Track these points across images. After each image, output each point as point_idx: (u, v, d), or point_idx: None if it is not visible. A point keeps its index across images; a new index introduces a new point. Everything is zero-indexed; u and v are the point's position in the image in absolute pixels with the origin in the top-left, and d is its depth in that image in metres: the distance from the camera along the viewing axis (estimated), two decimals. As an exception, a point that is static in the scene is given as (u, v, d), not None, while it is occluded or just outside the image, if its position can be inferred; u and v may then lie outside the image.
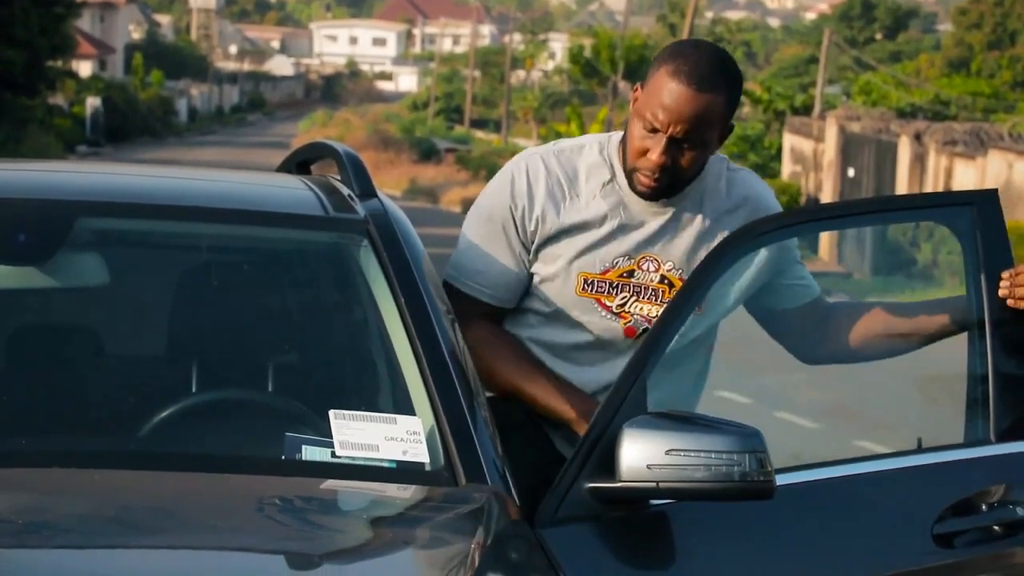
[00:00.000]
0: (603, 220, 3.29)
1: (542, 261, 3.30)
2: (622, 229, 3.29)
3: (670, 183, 3.25)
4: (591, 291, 3.29)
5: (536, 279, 3.32)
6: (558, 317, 3.31)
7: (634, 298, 3.29)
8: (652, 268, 3.30)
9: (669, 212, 3.31)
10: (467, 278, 3.33)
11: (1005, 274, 3.17)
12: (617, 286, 3.30)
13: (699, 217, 3.32)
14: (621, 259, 3.29)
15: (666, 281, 3.31)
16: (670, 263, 3.31)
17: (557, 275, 3.29)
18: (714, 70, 3.21)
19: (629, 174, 3.26)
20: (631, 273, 3.29)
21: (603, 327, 3.30)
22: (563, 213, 3.28)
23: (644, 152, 3.21)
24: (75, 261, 3.16)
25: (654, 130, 3.20)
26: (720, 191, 3.35)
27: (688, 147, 3.21)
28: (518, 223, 3.30)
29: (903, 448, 3.25)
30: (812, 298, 3.44)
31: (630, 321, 3.30)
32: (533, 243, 3.30)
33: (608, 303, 3.29)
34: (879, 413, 12.03)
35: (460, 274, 3.34)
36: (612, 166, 3.31)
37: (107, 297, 3.23)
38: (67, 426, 2.96)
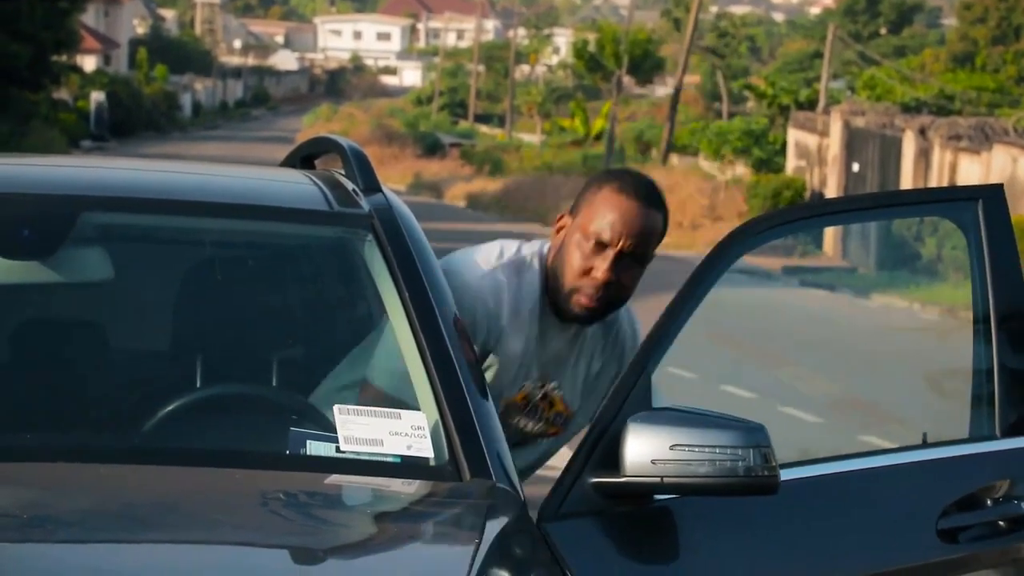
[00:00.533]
0: (524, 350, 3.32)
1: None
2: (536, 353, 3.33)
3: (606, 305, 3.29)
4: (507, 416, 3.31)
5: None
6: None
7: (536, 423, 3.36)
8: (540, 385, 3.36)
9: (578, 335, 3.36)
10: None
11: None
12: (516, 408, 3.35)
13: (587, 338, 3.38)
14: (527, 383, 3.35)
15: (547, 398, 3.36)
16: (555, 383, 3.36)
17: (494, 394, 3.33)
18: (654, 190, 3.34)
19: (566, 297, 3.28)
20: (528, 395, 3.36)
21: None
22: (504, 338, 3.29)
23: (586, 272, 3.26)
24: (79, 256, 3.16)
25: (599, 247, 3.25)
26: (617, 319, 3.42)
27: (632, 263, 3.28)
28: (482, 338, 3.29)
29: (908, 443, 3.24)
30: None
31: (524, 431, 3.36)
32: (485, 352, 3.32)
33: (525, 426, 3.35)
34: (884, 408, 12.03)
35: None
36: (541, 288, 3.33)
37: (111, 292, 3.23)
38: (71, 421, 2.96)
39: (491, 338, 3.30)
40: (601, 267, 3.24)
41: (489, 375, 3.29)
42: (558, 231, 3.33)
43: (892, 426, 10.64)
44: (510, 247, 3.37)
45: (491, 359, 3.31)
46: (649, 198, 3.31)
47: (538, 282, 3.33)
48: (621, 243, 3.25)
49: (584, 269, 3.25)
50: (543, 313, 3.34)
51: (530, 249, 3.38)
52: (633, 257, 3.27)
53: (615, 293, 3.28)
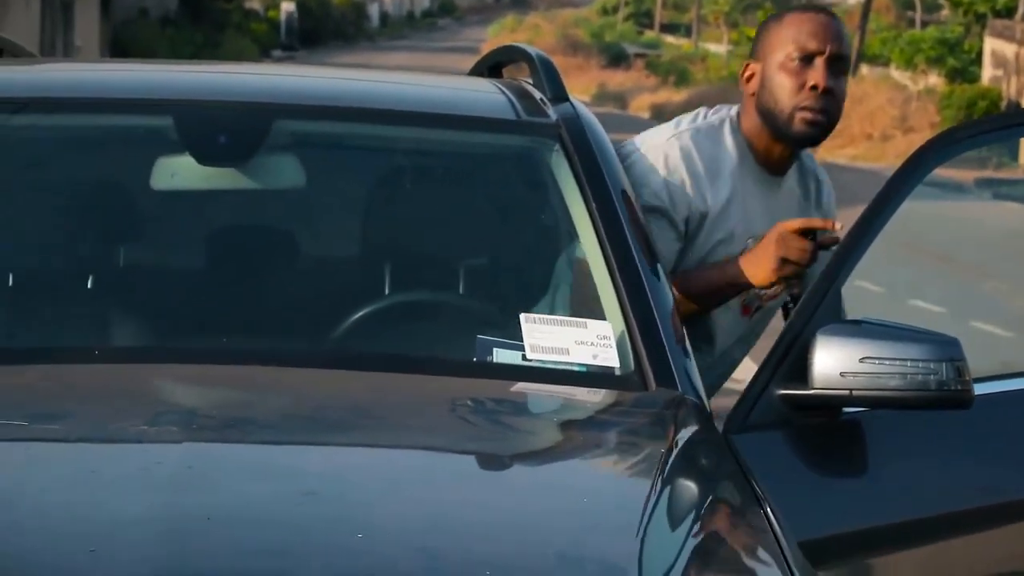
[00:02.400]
0: (739, 200, 3.31)
1: (695, 245, 3.30)
2: (751, 208, 3.32)
3: (827, 125, 3.29)
4: None
5: (684, 263, 3.32)
6: None
7: None
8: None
9: (778, 187, 3.36)
10: None
11: None
12: None
13: (799, 190, 3.39)
14: (751, 240, 3.31)
15: None
16: None
17: (706, 259, 3.31)
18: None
19: (788, 122, 3.27)
20: None
21: (724, 307, 3.32)
22: (714, 194, 3.30)
23: (802, 87, 3.25)
24: (273, 163, 3.21)
25: (807, 60, 3.25)
26: (807, 170, 3.44)
27: (839, 72, 3.28)
28: (679, 204, 3.28)
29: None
30: None
31: (745, 300, 3.34)
32: (692, 227, 3.30)
33: None
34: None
35: None
36: (741, 143, 3.33)
37: (303, 199, 3.28)
38: (264, 326, 3.02)
39: (696, 200, 3.29)
40: (817, 75, 3.25)
41: (703, 238, 3.29)
42: (748, 80, 3.33)
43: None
44: (687, 117, 3.40)
45: (706, 221, 3.30)
46: (828, 12, 3.36)
47: (734, 141, 3.34)
48: (828, 48, 3.26)
49: (799, 85, 3.26)
50: (749, 171, 3.33)
51: (716, 115, 3.38)
52: (839, 64, 3.28)
53: (834, 105, 3.28)
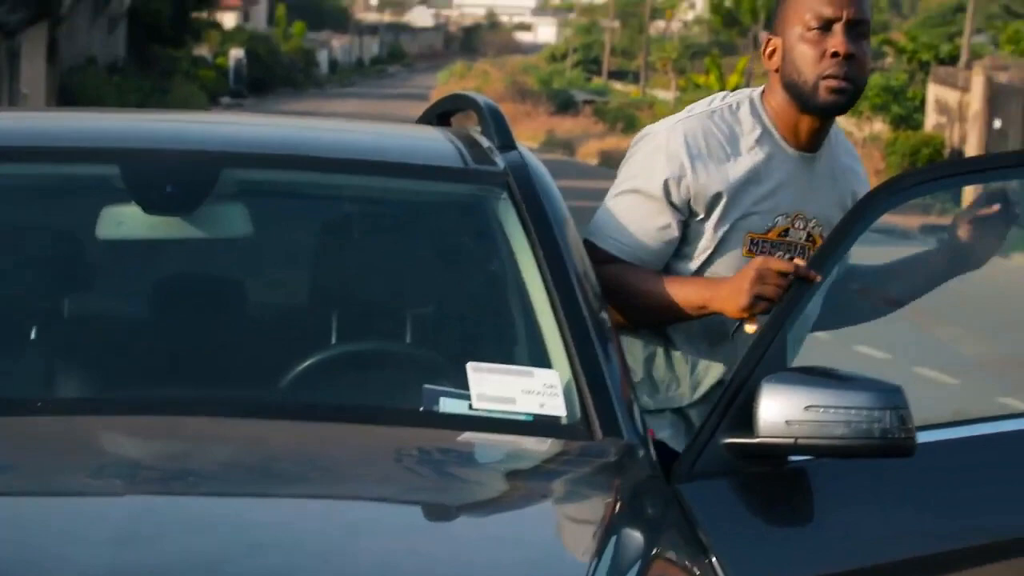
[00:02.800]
0: (763, 178, 3.26)
1: (709, 224, 3.25)
2: (780, 185, 3.27)
3: (854, 91, 3.24)
4: (756, 251, 3.26)
5: (700, 244, 3.27)
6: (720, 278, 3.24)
7: (787, 256, 3.26)
8: (801, 226, 3.29)
9: (815, 167, 3.30)
10: (612, 242, 3.28)
11: None
12: (776, 245, 3.28)
13: (833, 169, 3.32)
14: (780, 217, 3.28)
15: (811, 239, 3.29)
16: (814, 220, 3.29)
17: (725, 237, 3.25)
18: None
19: (813, 91, 3.22)
20: (786, 232, 3.28)
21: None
22: (730, 173, 3.24)
23: (822, 55, 3.20)
24: (220, 212, 3.20)
25: (825, 27, 3.20)
26: (840, 142, 3.37)
27: (859, 36, 3.22)
28: (683, 189, 3.24)
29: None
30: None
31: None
32: (697, 210, 3.25)
33: None
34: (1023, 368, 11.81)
35: (603, 236, 3.29)
36: (763, 121, 3.29)
37: (250, 248, 3.27)
38: (211, 376, 3.00)
39: (702, 181, 3.22)
40: (837, 41, 3.20)
41: (721, 216, 3.23)
42: (770, 56, 3.29)
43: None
44: (701, 102, 3.35)
45: (720, 191, 3.24)
46: None
47: (754, 119, 3.28)
48: (845, 12, 3.21)
49: (821, 53, 3.21)
50: (775, 148, 3.27)
51: (735, 97, 3.33)
52: (859, 28, 3.22)
53: (858, 70, 3.22)
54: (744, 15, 48.47)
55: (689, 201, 3.25)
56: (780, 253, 3.26)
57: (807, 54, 3.21)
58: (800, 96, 3.23)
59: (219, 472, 2.62)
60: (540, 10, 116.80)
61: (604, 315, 3.03)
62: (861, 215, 3.07)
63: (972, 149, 29.46)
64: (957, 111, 31.44)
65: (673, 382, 3.28)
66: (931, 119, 33.23)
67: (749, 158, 3.26)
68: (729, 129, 3.28)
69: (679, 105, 52.49)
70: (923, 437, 2.91)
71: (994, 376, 11.44)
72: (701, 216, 3.25)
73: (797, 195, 3.27)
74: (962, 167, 3.27)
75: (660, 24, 75.36)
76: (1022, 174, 3.20)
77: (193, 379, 2.99)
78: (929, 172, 3.17)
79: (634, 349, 3.28)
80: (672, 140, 3.25)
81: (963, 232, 3.30)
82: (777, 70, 3.27)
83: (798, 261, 3.08)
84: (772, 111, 3.28)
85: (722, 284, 3.16)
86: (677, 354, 3.28)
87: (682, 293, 3.20)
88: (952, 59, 36.05)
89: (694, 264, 3.27)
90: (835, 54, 3.19)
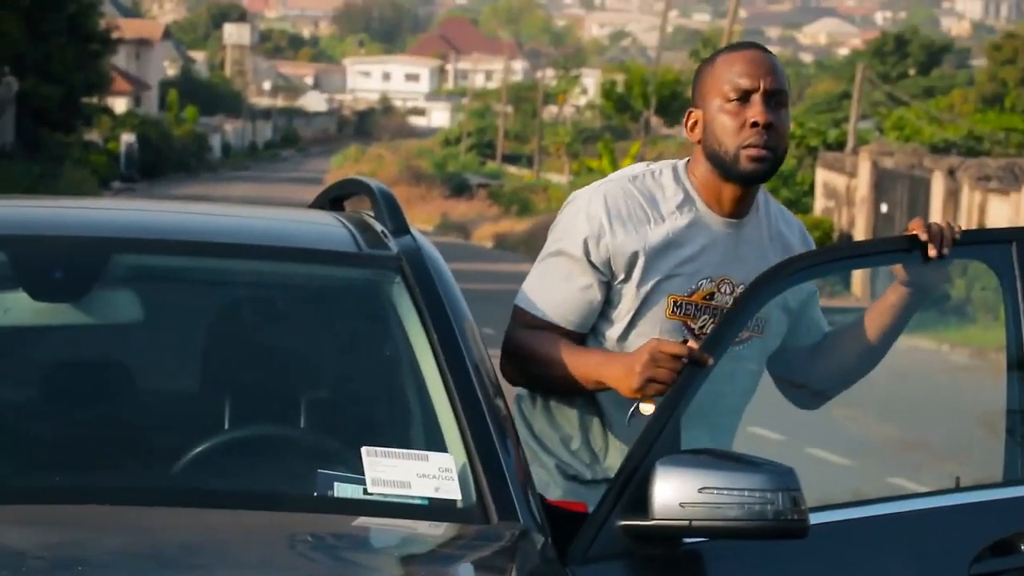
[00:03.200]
0: (685, 241, 3.29)
1: (630, 285, 3.28)
2: (704, 250, 3.30)
3: (774, 160, 3.29)
4: (679, 313, 3.29)
5: (623, 306, 3.30)
6: (643, 341, 3.25)
7: (711, 321, 3.29)
8: (728, 291, 3.31)
9: (742, 234, 3.34)
10: (535, 305, 3.30)
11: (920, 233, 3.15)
12: (701, 308, 3.30)
13: (765, 240, 3.37)
14: (704, 281, 3.30)
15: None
16: (742, 285, 3.31)
17: (647, 299, 3.28)
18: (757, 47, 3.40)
19: (734, 161, 3.28)
20: (712, 296, 3.31)
21: None
22: (649, 235, 3.28)
23: (742, 125, 3.26)
24: (109, 298, 3.17)
25: (743, 98, 3.27)
26: (774, 210, 3.42)
27: (779, 105, 3.29)
28: (602, 251, 3.27)
29: (939, 487, 3.22)
30: (822, 335, 3.42)
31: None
32: (616, 270, 3.28)
33: (692, 325, 3.30)
34: (914, 450, 11.95)
35: (528, 301, 3.32)
36: (686, 188, 3.33)
37: (141, 334, 3.24)
38: (101, 463, 2.96)
39: (620, 243, 3.26)
40: (756, 111, 3.26)
41: (641, 276, 3.25)
42: (692, 128, 3.34)
43: (922, 469, 10.57)
44: (627, 169, 3.38)
45: (640, 252, 3.27)
46: (760, 47, 3.37)
47: (677, 186, 3.32)
48: (762, 83, 3.27)
49: (740, 123, 3.26)
50: (699, 214, 3.31)
51: (658, 164, 3.38)
52: (777, 97, 3.28)
53: (776, 140, 3.28)
54: (635, 100, 49.07)
55: (609, 261, 3.28)
56: (706, 317, 3.29)
57: (727, 125, 3.27)
58: (722, 165, 3.29)
59: (109, 560, 2.57)
60: (433, 95, 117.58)
61: (500, 399, 3.03)
62: (750, 299, 3.11)
63: (860, 232, 29.94)
64: (845, 195, 31.97)
65: (612, 450, 3.29)
66: (820, 203, 33.75)
67: (670, 222, 3.30)
68: (650, 193, 3.32)
69: (573, 189, 52.82)
70: (816, 518, 2.93)
71: (885, 457, 11.56)
72: (622, 277, 3.28)
73: (722, 260, 3.31)
74: (849, 251, 3.31)
75: (553, 109, 76.08)
76: (904, 258, 3.25)
77: (82, 467, 2.94)
78: (817, 256, 3.21)
79: (571, 415, 3.28)
80: (592, 202, 3.30)
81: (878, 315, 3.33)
82: (699, 141, 3.33)
83: (692, 344, 3.10)
84: (696, 179, 3.33)
85: (617, 362, 3.17)
86: (612, 421, 3.29)
87: (582, 367, 3.22)
88: (839, 144, 36.71)
89: (619, 326, 3.30)
90: (754, 124, 3.25)
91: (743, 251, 3.33)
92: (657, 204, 3.30)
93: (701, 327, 3.29)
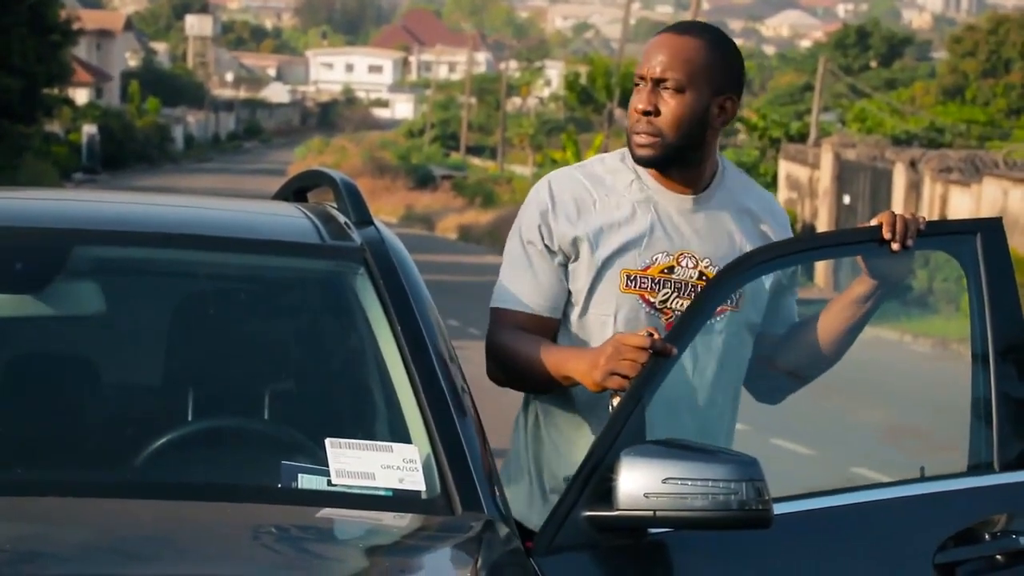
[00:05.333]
0: (635, 217, 3.30)
1: (581, 264, 3.29)
2: (657, 226, 3.30)
3: (662, 145, 3.27)
4: (635, 287, 3.28)
5: (578, 286, 3.30)
6: (602, 319, 3.27)
7: (675, 294, 3.29)
8: (690, 264, 3.30)
9: (700, 209, 3.34)
10: (507, 298, 3.31)
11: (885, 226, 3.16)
12: (659, 282, 3.30)
13: (727, 214, 3.35)
14: (660, 255, 3.30)
15: (704, 278, 3.30)
16: (707, 260, 3.31)
17: (600, 276, 3.28)
18: (695, 24, 3.36)
19: (629, 145, 3.31)
20: (671, 269, 3.30)
21: (647, 325, 3.24)
22: (596, 215, 3.29)
23: (634, 110, 3.29)
24: (71, 290, 3.15)
25: (637, 86, 3.29)
26: (740, 189, 3.40)
27: (668, 93, 3.27)
28: (550, 235, 3.29)
29: (903, 476, 3.23)
30: (792, 324, 3.43)
31: (671, 317, 3.27)
32: (567, 251, 3.30)
33: (651, 299, 3.29)
34: (877, 440, 12.01)
35: (501, 297, 3.33)
36: (634, 169, 3.34)
37: (103, 326, 3.22)
38: (63, 455, 2.95)
39: (573, 225, 3.27)
40: (638, 98, 3.28)
41: (586, 252, 3.27)
42: None
43: (887, 459, 10.63)
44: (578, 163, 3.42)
45: (590, 232, 3.28)
46: (681, 27, 3.33)
47: (623, 164, 3.33)
48: (648, 70, 3.27)
49: (631, 111, 3.29)
50: (648, 190, 3.32)
51: (607, 153, 3.41)
52: (669, 86, 3.26)
53: (661, 127, 3.27)
54: (599, 92, 49.11)
55: (558, 243, 3.30)
56: (667, 291, 3.28)
57: (630, 110, 3.31)
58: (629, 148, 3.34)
59: (72, 553, 2.56)
60: (396, 87, 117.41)
61: (464, 389, 3.03)
62: (714, 291, 3.11)
63: (823, 224, 30.06)
64: (808, 187, 32.08)
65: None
66: (783, 194, 33.85)
67: (617, 200, 3.31)
68: (597, 176, 3.33)
69: (536, 180, 52.81)
70: (780, 508, 2.94)
71: (850, 447, 11.61)
72: (573, 257, 3.30)
73: (679, 235, 3.31)
74: (810, 243, 3.32)
75: (516, 101, 76.09)
76: (868, 249, 3.26)
77: (44, 459, 2.93)
78: (779, 248, 3.22)
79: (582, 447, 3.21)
80: (539, 190, 3.34)
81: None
82: None
83: (655, 336, 3.09)
84: None
85: (583, 357, 3.17)
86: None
87: (552, 363, 3.21)
88: (802, 136, 36.83)
89: (578, 306, 3.31)
90: (637, 109, 3.28)
91: (704, 225, 3.32)
92: (604, 184, 3.32)
93: (663, 300, 3.28)
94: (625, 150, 3.38)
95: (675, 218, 3.32)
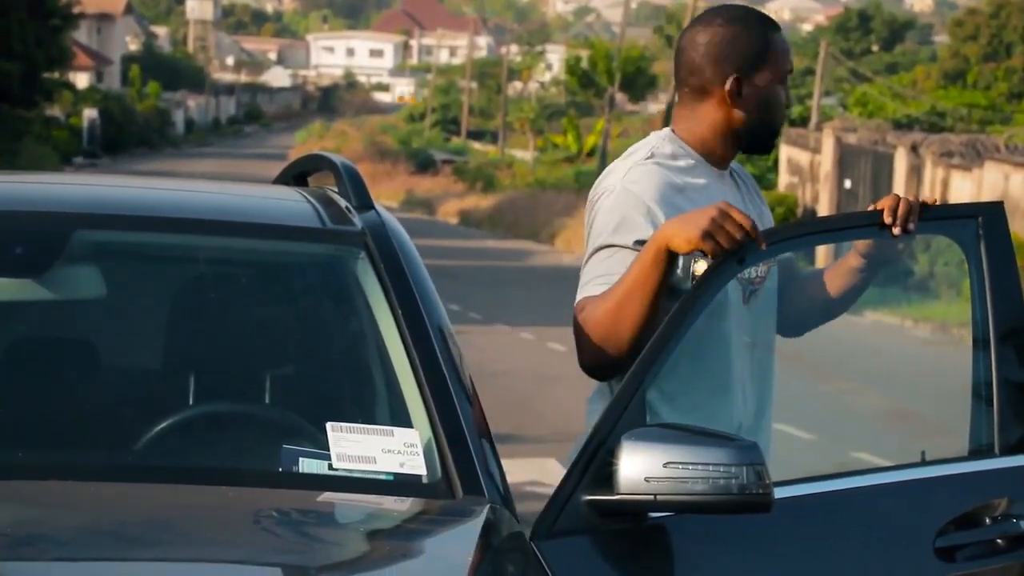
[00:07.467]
0: (714, 198, 3.28)
1: None
2: (717, 194, 3.33)
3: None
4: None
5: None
6: None
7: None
8: None
9: (728, 179, 3.43)
10: (602, 286, 3.18)
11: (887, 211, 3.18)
12: None
13: (736, 182, 3.47)
14: None
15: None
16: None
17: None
18: (709, 11, 3.43)
19: (772, 136, 3.45)
20: None
21: (720, 339, 3.28)
22: (686, 208, 3.23)
23: (789, 104, 3.49)
24: (72, 274, 3.15)
25: (787, 78, 3.49)
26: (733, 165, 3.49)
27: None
28: (657, 226, 3.20)
29: (905, 461, 3.23)
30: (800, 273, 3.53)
31: (757, 287, 3.36)
32: None
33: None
34: (879, 424, 12.02)
35: (593, 287, 3.19)
36: (689, 152, 3.37)
37: (104, 309, 3.22)
38: (64, 439, 2.95)
39: (672, 211, 3.23)
40: (788, 95, 3.45)
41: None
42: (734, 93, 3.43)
43: (887, 443, 10.64)
44: (633, 154, 3.37)
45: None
46: (697, 18, 3.44)
47: (684, 150, 3.36)
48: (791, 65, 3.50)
49: (783, 106, 3.45)
50: (705, 167, 3.38)
51: (656, 146, 3.37)
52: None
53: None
54: (600, 76, 49.03)
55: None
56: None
57: (780, 101, 3.40)
58: (754, 136, 3.38)
59: (73, 537, 2.57)
60: (397, 71, 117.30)
61: (465, 374, 3.03)
62: (716, 274, 3.11)
63: (825, 208, 30.05)
64: (809, 171, 32.06)
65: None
66: (784, 179, 33.84)
67: (696, 188, 3.33)
68: (674, 172, 3.32)
69: (537, 165, 52.94)
70: (780, 492, 2.94)
71: (850, 431, 11.62)
72: None
73: (733, 203, 3.31)
74: (812, 227, 3.32)
75: (517, 85, 76.01)
76: (870, 233, 3.26)
77: (45, 443, 2.93)
78: (780, 232, 3.22)
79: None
80: (628, 189, 3.24)
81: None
82: (730, 107, 3.34)
83: (753, 232, 3.04)
84: (692, 138, 3.37)
85: (672, 221, 3.11)
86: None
87: (635, 269, 3.10)
88: (803, 121, 36.80)
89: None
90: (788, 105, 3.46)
91: (737, 194, 3.43)
92: (683, 175, 3.33)
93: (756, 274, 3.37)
94: (666, 136, 3.37)
95: (724, 191, 3.38)
